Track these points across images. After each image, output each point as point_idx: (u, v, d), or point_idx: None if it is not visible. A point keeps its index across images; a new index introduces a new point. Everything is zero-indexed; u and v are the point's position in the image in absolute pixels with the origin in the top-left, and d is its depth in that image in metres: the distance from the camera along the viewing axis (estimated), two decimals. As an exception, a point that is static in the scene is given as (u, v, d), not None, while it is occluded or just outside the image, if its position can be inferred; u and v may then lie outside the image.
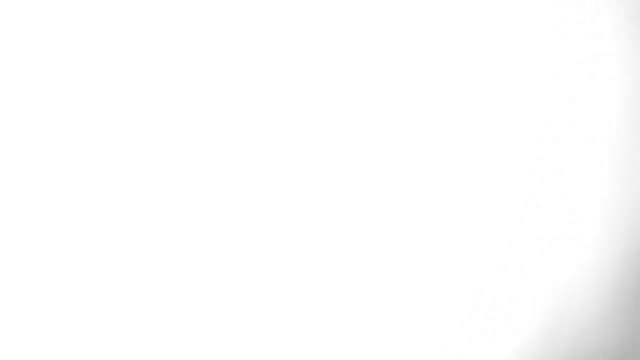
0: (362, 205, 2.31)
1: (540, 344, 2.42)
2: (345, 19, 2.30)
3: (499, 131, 2.39)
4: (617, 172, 2.46)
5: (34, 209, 2.14)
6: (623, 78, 2.45)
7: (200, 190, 2.24)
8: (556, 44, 2.40)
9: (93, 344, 2.16)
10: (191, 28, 2.22)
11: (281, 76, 2.28)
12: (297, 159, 2.29)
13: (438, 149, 2.36)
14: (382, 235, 2.33)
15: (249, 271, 2.27)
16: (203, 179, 2.24)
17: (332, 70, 2.30)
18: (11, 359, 2.07)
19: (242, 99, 2.26)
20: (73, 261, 2.16)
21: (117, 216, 2.19)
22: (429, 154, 2.35)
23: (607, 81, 2.44)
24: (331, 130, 2.30)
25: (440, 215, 2.36)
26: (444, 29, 2.34)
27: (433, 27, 2.34)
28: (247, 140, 2.26)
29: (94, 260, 2.17)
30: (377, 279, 2.32)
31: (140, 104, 2.20)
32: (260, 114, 2.27)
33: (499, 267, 2.40)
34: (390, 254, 2.33)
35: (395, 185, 2.34)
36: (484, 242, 2.39)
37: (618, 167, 2.46)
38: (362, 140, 2.31)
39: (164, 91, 2.21)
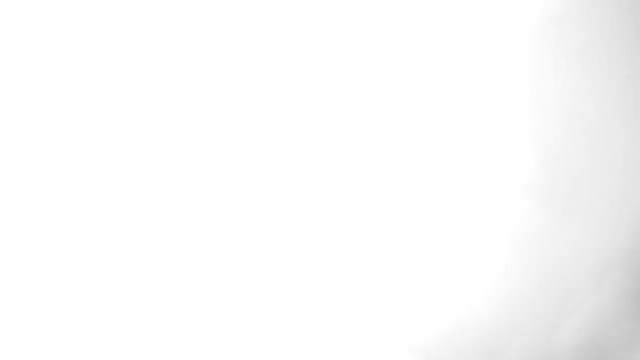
0: (353, 204, 2.32)
1: (541, 344, 2.41)
2: (345, 19, 2.30)
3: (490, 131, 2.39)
4: (616, 171, 2.45)
5: (35, 209, 2.16)
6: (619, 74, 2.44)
7: (200, 191, 2.25)
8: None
9: (93, 344, 2.18)
10: (191, 28, 2.23)
11: (281, 76, 2.28)
12: (297, 159, 2.30)
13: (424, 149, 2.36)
14: (375, 235, 2.33)
15: (249, 271, 2.27)
16: (203, 179, 2.25)
17: (332, 71, 2.31)
18: (11, 359, 2.09)
19: (242, 99, 2.27)
20: (73, 261, 2.18)
21: (117, 216, 2.20)
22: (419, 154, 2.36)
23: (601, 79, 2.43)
24: (331, 131, 2.31)
25: (432, 216, 2.36)
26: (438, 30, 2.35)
27: (429, 28, 2.35)
28: (247, 140, 2.27)
29: (94, 260, 2.19)
30: (373, 278, 2.33)
31: (141, 105, 2.22)
32: (259, 114, 2.28)
33: (499, 266, 2.40)
34: (385, 253, 2.33)
35: (388, 185, 2.34)
36: (479, 240, 2.39)
37: (617, 166, 2.45)
38: (352, 140, 2.32)
39: (164, 92, 2.23)
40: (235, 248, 2.26)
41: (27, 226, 2.14)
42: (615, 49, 2.43)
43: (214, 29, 2.24)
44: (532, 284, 2.40)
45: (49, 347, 2.13)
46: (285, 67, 2.28)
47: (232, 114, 2.26)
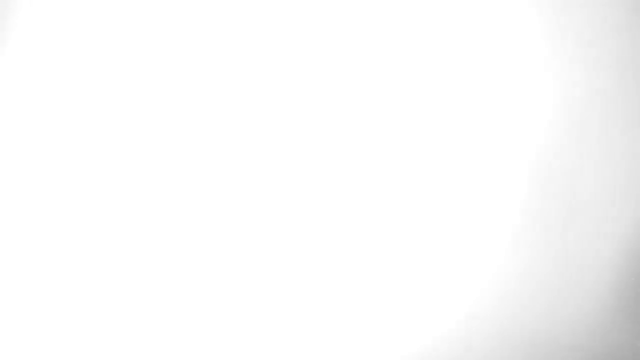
0: (356, 205, 2.32)
1: (540, 343, 2.41)
2: (345, 19, 2.30)
3: (495, 133, 2.39)
4: (617, 171, 2.44)
5: (36, 209, 2.16)
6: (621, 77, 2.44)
7: (200, 191, 2.25)
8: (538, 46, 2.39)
9: (93, 344, 2.18)
10: (191, 28, 2.23)
11: (281, 76, 2.28)
12: (297, 160, 2.29)
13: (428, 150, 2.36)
14: (376, 236, 2.33)
15: (249, 271, 2.27)
16: (203, 179, 2.25)
17: (332, 71, 2.30)
18: (11, 359, 2.10)
19: (242, 99, 2.27)
20: (74, 261, 2.18)
21: (118, 217, 2.21)
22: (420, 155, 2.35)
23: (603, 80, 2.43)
24: (331, 131, 2.31)
25: (432, 217, 2.36)
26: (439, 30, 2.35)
27: (429, 28, 2.34)
28: (247, 140, 2.27)
29: (94, 260, 2.19)
30: (373, 279, 2.33)
31: (141, 105, 2.22)
32: (259, 114, 2.27)
33: (501, 266, 2.40)
34: (385, 254, 2.33)
35: (388, 186, 2.34)
36: (484, 241, 2.39)
37: (618, 167, 2.45)
38: (353, 141, 2.32)
39: (165, 92, 2.23)
40: (235, 248, 2.26)
41: (28, 226, 2.14)
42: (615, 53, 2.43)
43: (215, 29, 2.24)
44: (531, 284, 2.41)
45: (49, 347, 2.14)
46: (285, 67, 2.28)
47: (232, 114, 2.26)
